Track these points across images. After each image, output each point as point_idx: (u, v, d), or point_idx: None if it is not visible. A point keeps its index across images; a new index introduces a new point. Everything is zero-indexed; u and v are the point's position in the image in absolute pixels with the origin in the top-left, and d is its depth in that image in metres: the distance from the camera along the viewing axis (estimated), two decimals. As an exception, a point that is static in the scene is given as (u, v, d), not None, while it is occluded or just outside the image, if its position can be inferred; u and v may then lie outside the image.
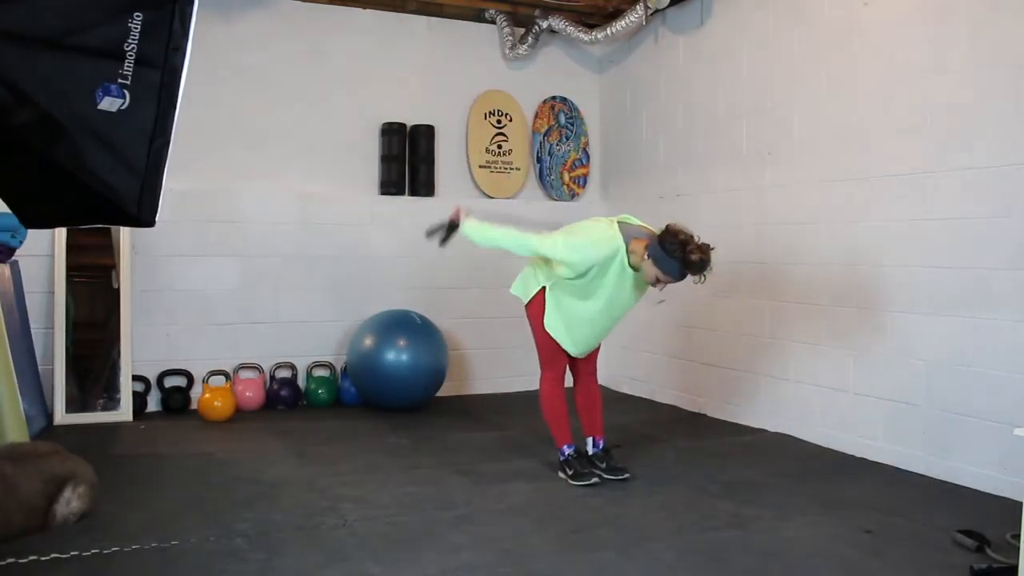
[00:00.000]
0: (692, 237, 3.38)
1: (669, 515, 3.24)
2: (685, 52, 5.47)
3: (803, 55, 4.54)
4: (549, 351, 3.74)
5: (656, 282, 3.45)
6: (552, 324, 3.67)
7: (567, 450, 3.72)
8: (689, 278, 3.43)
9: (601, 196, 6.37)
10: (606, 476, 3.70)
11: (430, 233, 3.62)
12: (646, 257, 3.41)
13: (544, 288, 3.67)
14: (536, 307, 3.70)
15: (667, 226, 3.43)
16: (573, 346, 3.71)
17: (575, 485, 3.60)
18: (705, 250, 3.37)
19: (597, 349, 3.90)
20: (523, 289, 3.76)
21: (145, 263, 5.10)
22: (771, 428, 4.71)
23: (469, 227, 3.52)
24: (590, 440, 3.86)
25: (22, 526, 2.82)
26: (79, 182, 1.93)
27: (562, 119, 6.30)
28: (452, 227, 3.55)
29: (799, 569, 2.71)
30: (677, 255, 3.34)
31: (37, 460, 3.01)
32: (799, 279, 4.55)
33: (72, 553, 2.70)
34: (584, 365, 3.89)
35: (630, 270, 3.49)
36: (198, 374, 5.19)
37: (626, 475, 3.72)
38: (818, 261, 4.43)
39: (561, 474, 3.71)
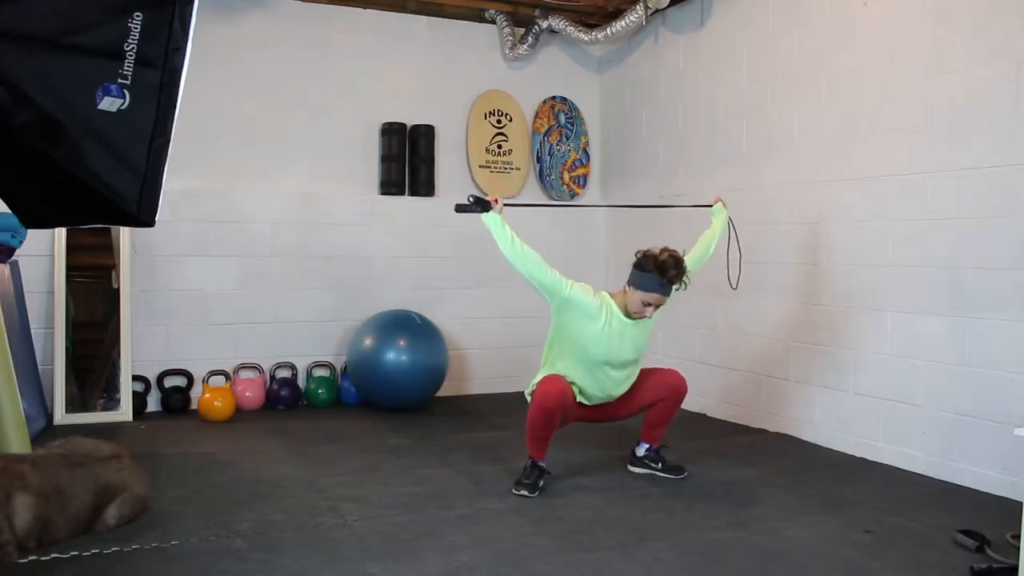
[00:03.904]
0: (660, 250, 3.54)
1: (669, 515, 3.24)
2: (685, 52, 5.47)
3: (803, 55, 4.54)
4: (540, 417, 3.50)
5: (644, 307, 3.51)
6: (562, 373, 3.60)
7: (535, 460, 3.57)
8: (674, 291, 3.56)
9: (601, 196, 6.37)
10: (663, 475, 3.74)
11: (461, 208, 3.60)
12: (627, 289, 3.56)
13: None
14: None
15: (636, 253, 3.58)
16: (594, 400, 3.67)
17: (513, 489, 3.47)
18: (674, 252, 3.52)
19: (669, 381, 3.76)
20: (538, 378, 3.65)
21: (145, 263, 5.10)
22: (771, 428, 4.71)
23: (492, 219, 3.50)
24: (644, 445, 3.84)
25: (66, 536, 2.81)
26: (79, 182, 1.93)
27: (562, 119, 6.30)
28: (482, 209, 3.53)
29: (799, 569, 2.71)
30: (651, 268, 3.49)
31: (94, 466, 2.97)
32: (799, 279, 4.56)
33: (72, 553, 2.70)
34: (674, 393, 3.77)
35: (622, 318, 3.56)
36: (198, 374, 5.19)
37: (684, 474, 3.76)
38: (818, 261, 4.43)
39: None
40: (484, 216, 3.52)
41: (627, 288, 3.56)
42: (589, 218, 6.17)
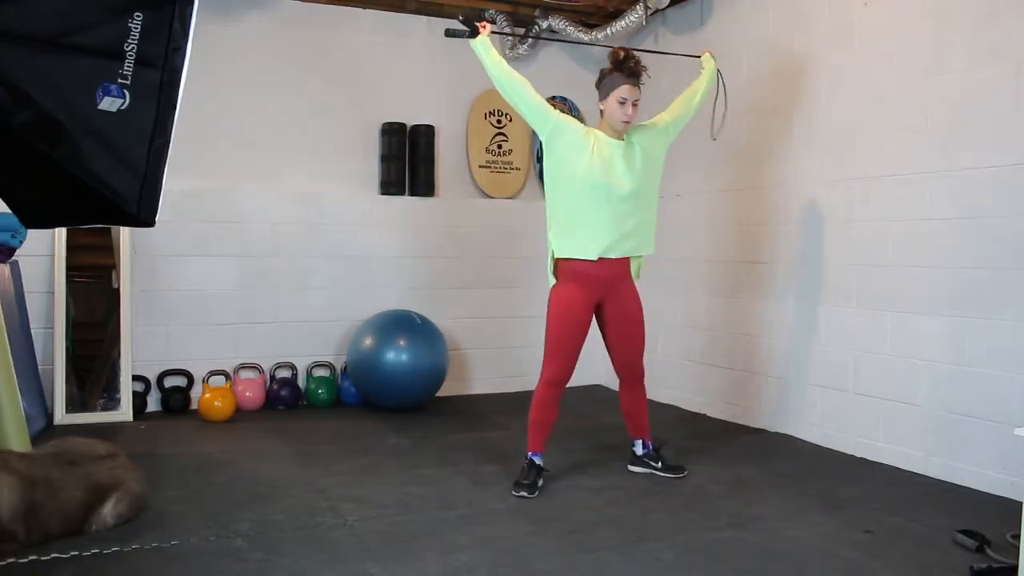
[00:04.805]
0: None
1: (669, 515, 3.24)
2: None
3: (803, 55, 4.54)
4: (556, 339, 3.58)
5: (622, 106, 3.53)
6: (562, 242, 3.57)
7: (531, 455, 3.61)
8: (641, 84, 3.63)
9: (601, 196, 6.36)
10: (663, 474, 3.75)
11: (451, 32, 3.71)
12: (601, 110, 3.63)
13: (558, 265, 3.62)
14: (555, 289, 3.62)
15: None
16: (597, 245, 3.54)
17: (512, 491, 3.48)
18: (624, 48, 3.63)
19: (639, 349, 3.75)
20: (551, 275, 3.67)
21: (145, 263, 5.10)
22: (771, 428, 4.71)
23: (481, 42, 3.63)
24: (639, 443, 3.85)
25: (58, 532, 2.80)
26: (79, 182, 1.94)
27: (562, 119, 6.29)
28: (471, 34, 3.63)
29: (799, 569, 2.71)
30: (607, 71, 3.60)
31: (87, 465, 2.97)
32: (799, 279, 4.55)
33: (72, 553, 2.70)
34: (628, 370, 3.78)
35: (610, 141, 3.58)
36: (198, 374, 5.19)
37: (684, 473, 3.76)
38: (818, 261, 4.43)
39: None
40: (473, 41, 3.63)
41: (601, 108, 3.62)
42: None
